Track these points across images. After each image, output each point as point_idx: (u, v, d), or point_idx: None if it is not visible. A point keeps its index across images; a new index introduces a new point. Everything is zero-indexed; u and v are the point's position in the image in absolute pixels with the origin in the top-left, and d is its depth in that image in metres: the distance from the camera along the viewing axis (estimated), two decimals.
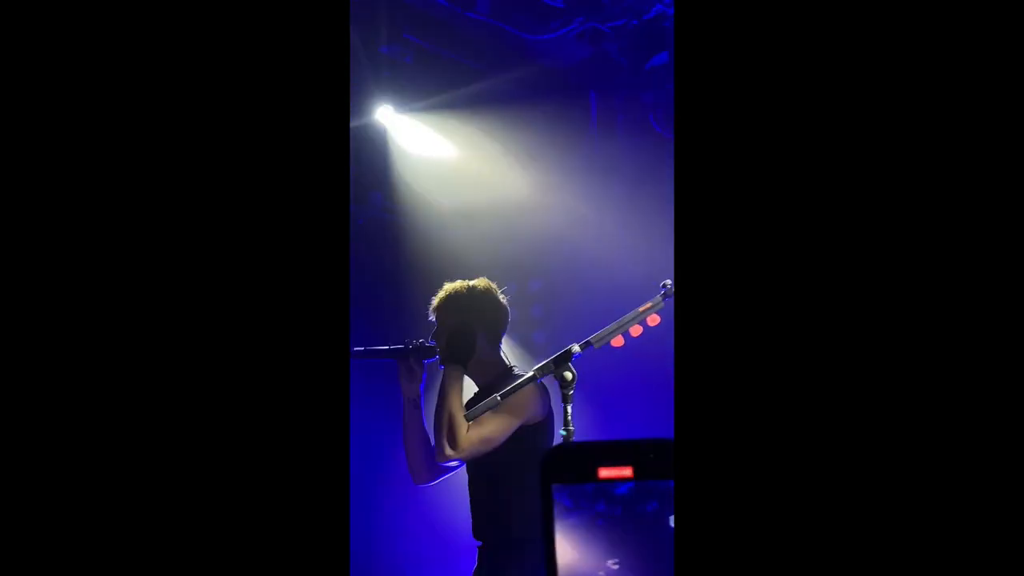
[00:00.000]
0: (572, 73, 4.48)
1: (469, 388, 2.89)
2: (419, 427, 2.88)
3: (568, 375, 2.28)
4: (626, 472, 0.80)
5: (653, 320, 2.32)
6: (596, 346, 2.31)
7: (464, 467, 2.88)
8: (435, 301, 2.92)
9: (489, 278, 2.97)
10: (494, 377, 2.85)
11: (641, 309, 2.31)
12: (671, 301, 2.30)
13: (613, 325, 2.32)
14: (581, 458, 0.81)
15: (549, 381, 2.40)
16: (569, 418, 2.27)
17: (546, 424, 2.79)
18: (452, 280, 2.94)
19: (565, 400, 2.29)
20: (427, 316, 2.95)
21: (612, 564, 0.81)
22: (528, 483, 2.73)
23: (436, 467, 2.88)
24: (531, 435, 2.75)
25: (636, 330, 2.31)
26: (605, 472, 0.80)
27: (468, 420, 2.51)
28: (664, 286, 2.29)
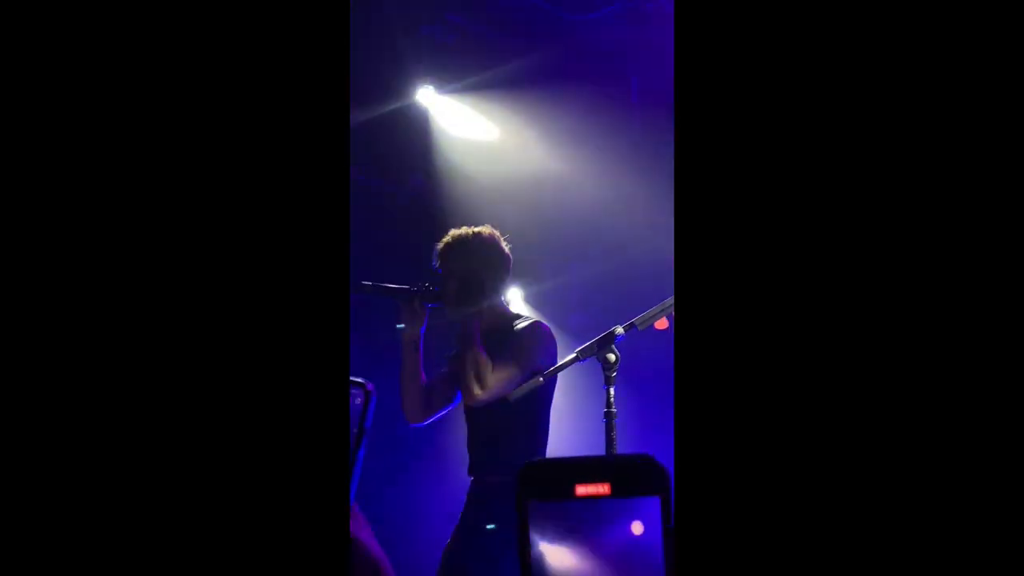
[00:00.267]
0: (613, 53, 4.45)
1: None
2: (416, 368, 2.94)
3: (611, 357, 2.28)
4: (603, 489, 0.79)
5: (661, 324, 2.30)
6: (640, 328, 2.30)
7: (459, 406, 2.96)
8: (440, 246, 2.95)
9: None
10: (500, 322, 2.91)
11: None
12: None
13: (657, 307, 2.31)
14: (558, 474, 0.80)
15: (592, 363, 2.41)
16: (611, 400, 2.27)
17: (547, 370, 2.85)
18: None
19: (608, 382, 2.29)
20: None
21: None
22: (522, 422, 2.84)
23: (430, 407, 2.97)
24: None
25: (662, 323, 2.30)
26: (582, 489, 0.79)
27: (511, 400, 2.53)
28: None
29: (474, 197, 4.59)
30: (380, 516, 4.19)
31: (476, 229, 2.96)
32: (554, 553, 0.80)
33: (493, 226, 3.02)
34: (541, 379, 2.38)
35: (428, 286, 2.92)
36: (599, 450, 2.42)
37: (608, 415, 2.27)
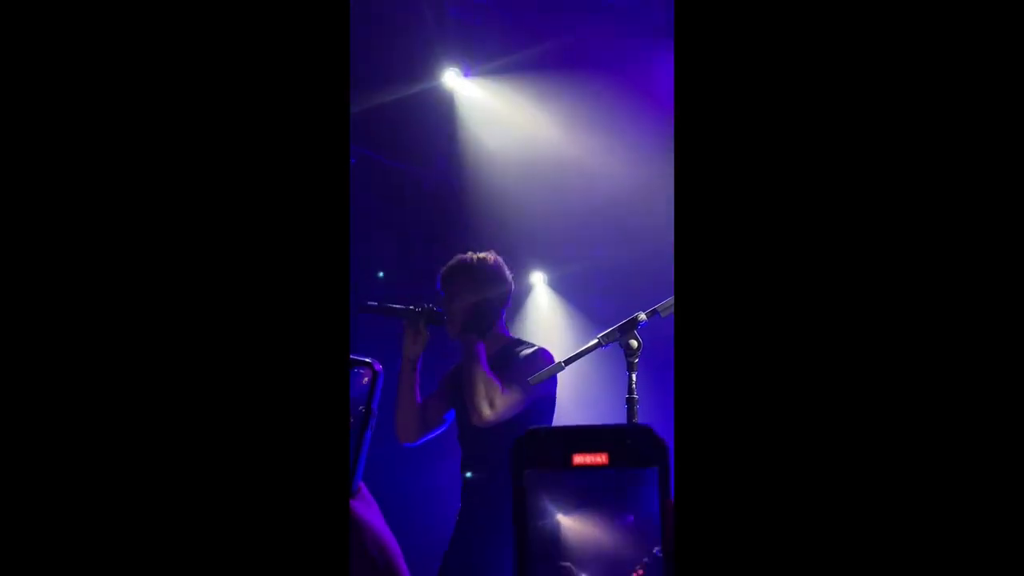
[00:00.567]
0: (643, 36, 4.41)
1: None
2: (412, 389, 2.99)
3: (634, 343, 2.28)
4: (601, 459, 0.77)
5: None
6: (663, 315, 2.28)
7: (451, 428, 3.01)
8: (444, 270, 2.99)
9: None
10: (502, 347, 2.94)
11: None
12: None
13: None
14: (555, 443, 0.78)
15: (614, 348, 2.40)
16: (633, 386, 2.27)
17: (551, 395, 2.92)
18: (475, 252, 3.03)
19: (630, 368, 2.28)
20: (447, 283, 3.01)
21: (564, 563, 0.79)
22: (520, 420, 2.86)
23: (423, 427, 3.02)
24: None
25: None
26: (580, 458, 0.77)
27: (532, 383, 2.54)
28: None
29: (499, 181, 4.58)
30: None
31: (480, 255, 3.00)
32: (567, 525, 0.78)
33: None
34: (563, 364, 2.37)
35: (432, 307, 2.95)
36: None
37: (630, 401, 2.26)
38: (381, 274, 4.43)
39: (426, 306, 2.95)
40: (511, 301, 3.06)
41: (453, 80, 4.37)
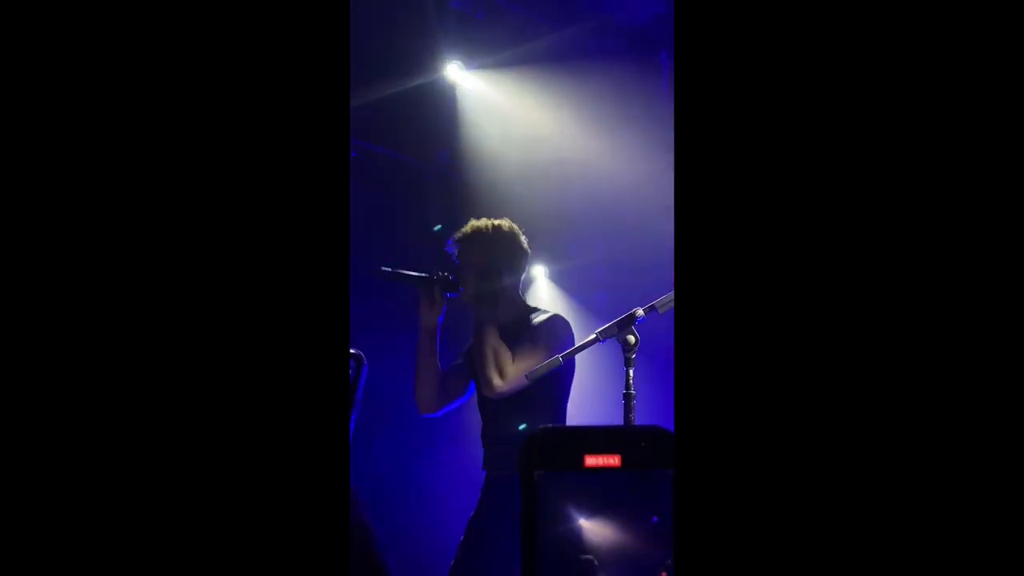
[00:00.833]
0: (644, 30, 4.40)
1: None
2: (432, 357, 2.93)
3: (631, 339, 2.27)
4: (613, 461, 0.76)
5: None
6: (660, 311, 2.28)
7: (474, 399, 2.95)
8: (458, 236, 2.94)
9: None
10: (517, 315, 2.89)
11: None
12: None
13: None
14: (566, 444, 0.77)
15: (611, 344, 2.40)
16: (631, 381, 2.26)
17: (569, 362, 2.81)
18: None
19: (627, 363, 2.27)
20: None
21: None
22: (540, 415, 2.80)
23: (444, 397, 2.95)
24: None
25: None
26: (592, 460, 0.76)
27: (529, 380, 2.52)
28: None
29: (500, 173, 4.57)
30: (392, 511, 4.23)
31: (496, 222, 2.95)
32: (587, 526, 0.76)
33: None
34: (561, 359, 2.37)
35: (447, 275, 2.91)
36: None
37: (627, 396, 2.26)
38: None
39: (440, 273, 2.90)
40: (527, 269, 3.00)
41: (455, 73, 4.37)
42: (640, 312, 2.28)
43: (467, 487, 3.11)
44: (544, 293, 4.95)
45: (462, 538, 2.88)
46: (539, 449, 0.79)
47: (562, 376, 2.82)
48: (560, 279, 5.04)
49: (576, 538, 0.79)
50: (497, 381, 2.76)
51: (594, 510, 0.79)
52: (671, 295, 2.27)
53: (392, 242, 4.49)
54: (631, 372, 2.27)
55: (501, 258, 2.90)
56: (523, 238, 2.97)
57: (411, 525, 4.40)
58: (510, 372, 2.76)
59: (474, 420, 3.01)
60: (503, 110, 4.47)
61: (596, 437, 0.80)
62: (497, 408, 2.86)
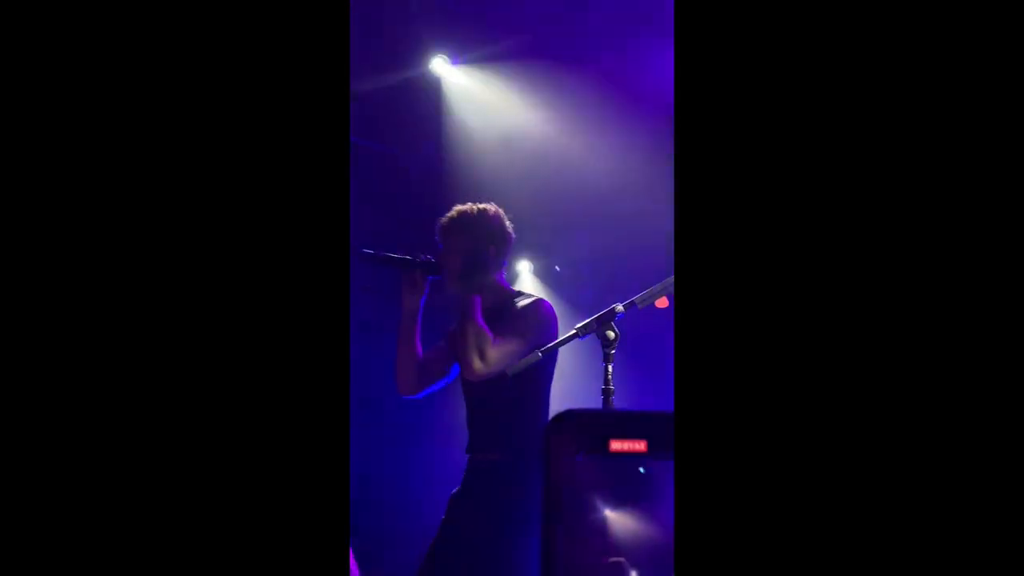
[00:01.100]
0: (630, 25, 4.40)
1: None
2: (413, 339, 2.94)
3: (611, 334, 2.28)
4: (639, 446, 0.75)
5: (661, 303, 2.28)
6: (640, 306, 2.29)
7: (457, 382, 2.95)
8: (443, 220, 2.94)
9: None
10: (500, 299, 2.89)
11: None
12: None
13: (658, 286, 2.29)
14: (592, 428, 0.75)
15: (591, 340, 2.40)
16: (610, 377, 2.27)
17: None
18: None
19: (607, 359, 2.28)
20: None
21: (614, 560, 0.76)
22: (523, 400, 2.81)
23: (424, 380, 2.96)
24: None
25: (662, 302, 2.28)
26: (617, 445, 0.75)
27: (511, 375, 2.52)
28: None
29: (484, 168, 4.58)
30: (377, 494, 4.23)
31: (481, 206, 2.95)
32: (611, 517, 0.74)
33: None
34: (540, 353, 2.38)
35: (429, 258, 2.92)
36: None
37: (606, 392, 2.26)
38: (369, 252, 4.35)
39: (423, 256, 2.92)
40: (511, 253, 3.01)
41: (440, 67, 4.37)
42: (620, 308, 2.29)
43: (449, 473, 3.11)
44: (528, 288, 4.96)
45: (443, 516, 2.89)
46: (563, 433, 0.76)
47: (545, 363, 2.82)
48: (543, 274, 5.06)
49: (601, 528, 0.77)
50: (478, 364, 2.76)
51: (614, 497, 0.77)
52: (650, 291, 2.28)
53: (377, 234, 4.49)
54: (610, 368, 2.28)
55: (485, 242, 2.89)
56: (508, 223, 2.97)
57: (396, 508, 4.42)
58: (491, 356, 2.76)
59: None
60: (489, 105, 4.47)
61: (622, 421, 0.77)
62: (481, 392, 2.86)
